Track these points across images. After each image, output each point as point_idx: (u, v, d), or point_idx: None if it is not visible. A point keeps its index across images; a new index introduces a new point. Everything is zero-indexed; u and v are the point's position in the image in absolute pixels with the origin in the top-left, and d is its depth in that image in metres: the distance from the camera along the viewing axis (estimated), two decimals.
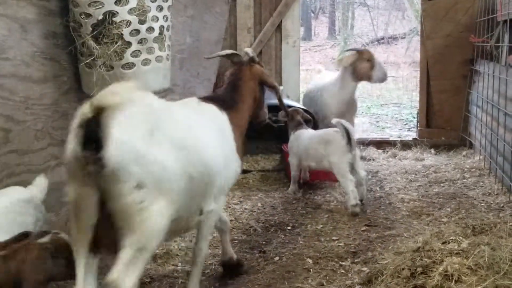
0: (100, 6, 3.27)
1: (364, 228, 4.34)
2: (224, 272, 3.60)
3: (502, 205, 4.61)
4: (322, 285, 3.37)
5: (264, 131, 5.21)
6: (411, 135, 7.87)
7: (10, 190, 2.98)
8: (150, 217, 2.43)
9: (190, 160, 2.69)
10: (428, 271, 2.95)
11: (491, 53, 5.99)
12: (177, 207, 2.60)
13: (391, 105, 11.14)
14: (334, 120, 4.91)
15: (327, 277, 3.46)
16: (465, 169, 5.88)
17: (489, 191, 5.04)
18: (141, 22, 3.38)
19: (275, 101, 4.15)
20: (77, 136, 2.27)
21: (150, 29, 3.44)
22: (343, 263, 3.68)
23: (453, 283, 2.79)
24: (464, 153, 6.64)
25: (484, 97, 5.79)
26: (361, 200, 4.75)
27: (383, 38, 22.09)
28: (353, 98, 6.08)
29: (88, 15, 3.29)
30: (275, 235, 4.30)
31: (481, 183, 5.35)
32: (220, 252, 3.67)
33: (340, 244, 3.99)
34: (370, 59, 5.80)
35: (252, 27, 7.04)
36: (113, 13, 3.29)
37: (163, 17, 3.54)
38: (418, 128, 7.36)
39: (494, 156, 5.30)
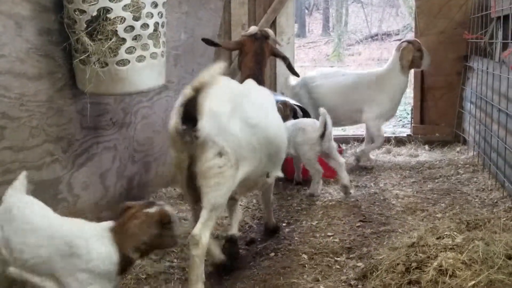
0: (94, 3, 3.25)
1: (359, 224, 4.35)
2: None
3: (495, 200, 4.63)
4: (318, 280, 3.38)
5: None
6: (405, 131, 7.87)
7: None
8: (224, 182, 3.04)
9: (259, 135, 3.28)
10: (422, 266, 2.98)
11: (485, 49, 6.01)
12: (247, 172, 3.21)
13: None
14: (321, 110, 4.93)
15: (323, 273, 3.47)
16: (459, 165, 5.91)
17: (483, 187, 5.06)
18: (136, 18, 3.35)
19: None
20: (178, 113, 2.93)
21: (145, 26, 3.42)
22: (338, 258, 3.69)
23: (447, 277, 2.81)
24: (458, 149, 6.67)
25: (478, 93, 5.81)
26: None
27: (377, 35, 22.15)
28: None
29: (82, 12, 3.27)
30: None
31: (475, 179, 5.37)
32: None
33: (335, 240, 4.01)
34: (420, 49, 6.18)
35: (247, 23, 7.01)
36: (107, 10, 3.26)
37: (158, 14, 3.52)
38: (412, 125, 7.36)
39: (487, 152, 5.32)
